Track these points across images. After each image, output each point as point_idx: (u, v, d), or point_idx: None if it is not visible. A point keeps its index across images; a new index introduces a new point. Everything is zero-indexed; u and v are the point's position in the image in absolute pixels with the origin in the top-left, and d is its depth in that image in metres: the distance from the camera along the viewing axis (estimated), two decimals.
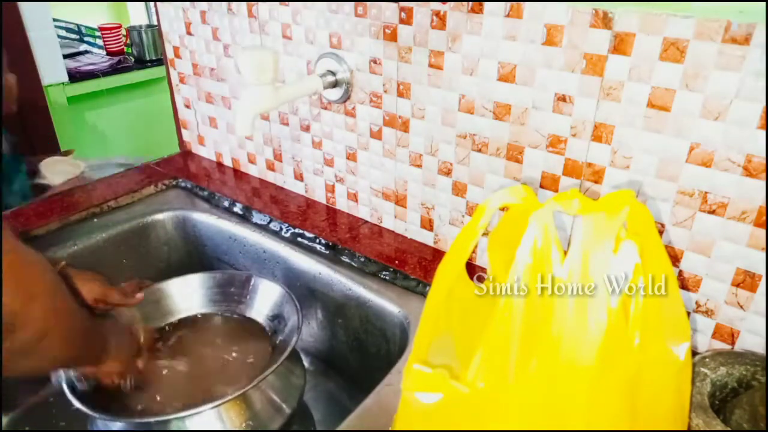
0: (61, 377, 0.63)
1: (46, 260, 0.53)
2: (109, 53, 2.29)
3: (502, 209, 0.62)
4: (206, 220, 1.00)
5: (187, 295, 0.81)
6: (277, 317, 0.76)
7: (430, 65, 0.73)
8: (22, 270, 0.48)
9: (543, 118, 0.67)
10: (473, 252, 0.81)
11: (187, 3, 1.02)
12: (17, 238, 0.50)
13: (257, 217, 0.97)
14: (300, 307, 0.73)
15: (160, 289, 0.79)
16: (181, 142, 1.24)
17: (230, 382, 0.69)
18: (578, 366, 0.46)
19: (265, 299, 0.78)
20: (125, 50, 2.34)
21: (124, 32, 2.33)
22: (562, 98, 0.64)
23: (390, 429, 0.56)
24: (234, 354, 0.74)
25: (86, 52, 2.34)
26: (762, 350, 0.60)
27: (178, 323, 0.79)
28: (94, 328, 0.62)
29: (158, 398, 0.67)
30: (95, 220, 0.97)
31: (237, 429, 0.64)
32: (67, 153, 1.47)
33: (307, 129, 0.95)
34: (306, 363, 0.84)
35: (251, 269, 0.96)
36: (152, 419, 0.63)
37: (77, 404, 0.59)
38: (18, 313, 0.47)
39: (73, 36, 2.47)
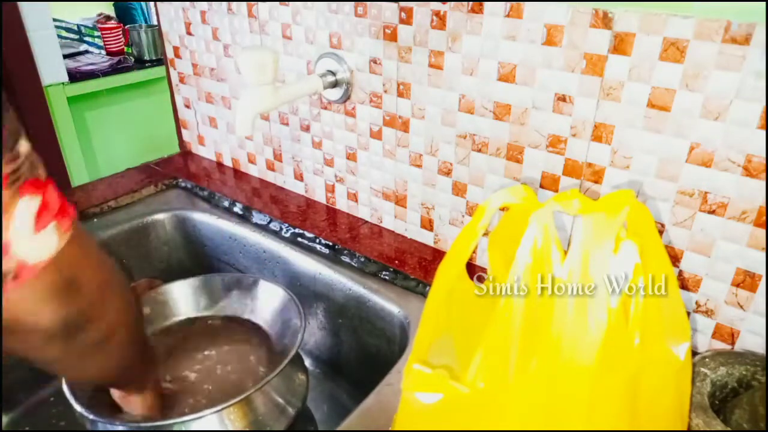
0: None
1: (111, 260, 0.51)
2: (109, 53, 2.29)
3: (502, 209, 0.62)
4: (206, 220, 1.00)
5: (193, 296, 0.81)
6: (280, 320, 0.76)
7: (430, 65, 0.73)
8: (95, 265, 0.45)
9: (543, 118, 0.67)
10: (473, 252, 0.81)
11: (187, 3, 1.02)
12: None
13: (257, 217, 0.97)
14: (302, 310, 0.73)
15: (165, 290, 0.79)
16: (181, 142, 1.24)
17: (234, 386, 0.69)
18: (578, 366, 0.46)
19: (269, 302, 0.78)
20: (125, 50, 2.34)
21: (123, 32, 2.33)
22: (562, 98, 0.64)
23: (390, 429, 0.56)
24: (238, 357, 0.74)
25: (86, 52, 2.34)
26: (762, 350, 0.60)
27: (183, 324, 0.79)
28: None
29: (161, 402, 0.67)
30: (95, 220, 0.97)
31: (241, 430, 0.64)
32: None
33: (307, 129, 0.95)
34: (306, 363, 0.84)
35: (251, 269, 0.96)
36: (155, 424, 0.63)
37: (78, 408, 0.59)
38: (94, 305, 0.44)
39: (73, 36, 2.47)
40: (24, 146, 0.36)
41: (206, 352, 0.75)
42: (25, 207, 0.35)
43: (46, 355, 0.45)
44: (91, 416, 0.58)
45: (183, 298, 0.80)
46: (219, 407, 0.60)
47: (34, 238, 0.36)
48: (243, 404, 0.65)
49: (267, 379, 0.62)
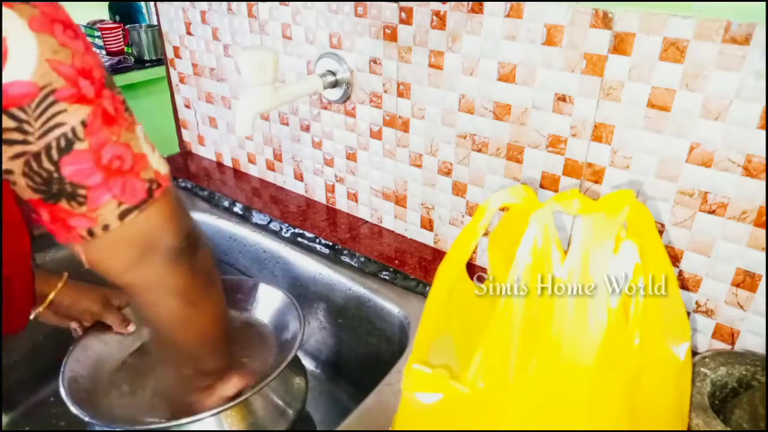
0: (63, 377, 0.62)
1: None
2: (109, 53, 2.29)
3: (502, 209, 0.62)
4: (206, 220, 1.00)
5: None
6: (280, 323, 0.76)
7: (430, 65, 0.73)
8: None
9: (543, 118, 0.67)
10: (473, 252, 0.81)
11: (187, 3, 1.02)
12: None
13: (257, 217, 0.97)
14: (301, 310, 0.73)
15: None
16: (181, 142, 1.24)
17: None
18: (578, 366, 0.46)
19: (269, 306, 0.78)
20: (125, 50, 2.34)
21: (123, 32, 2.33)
22: (562, 98, 0.64)
23: (390, 429, 0.56)
24: (237, 359, 0.74)
25: None
26: (762, 350, 0.60)
27: None
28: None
29: (160, 403, 0.67)
30: None
31: (241, 431, 0.64)
32: None
33: (307, 129, 0.95)
34: (306, 363, 0.84)
35: (251, 269, 0.96)
36: (153, 427, 0.62)
37: (75, 411, 0.58)
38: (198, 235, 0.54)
39: None
40: None
41: None
42: (141, 132, 0.46)
43: (176, 283, 0.52)
44: (86, 418, 0.58)
45: None
46: (218, 409, 0.60)
47: (155, 154, 0.49)
48: (242, 407, 0.65)
49: (266, 381, 0.62)
